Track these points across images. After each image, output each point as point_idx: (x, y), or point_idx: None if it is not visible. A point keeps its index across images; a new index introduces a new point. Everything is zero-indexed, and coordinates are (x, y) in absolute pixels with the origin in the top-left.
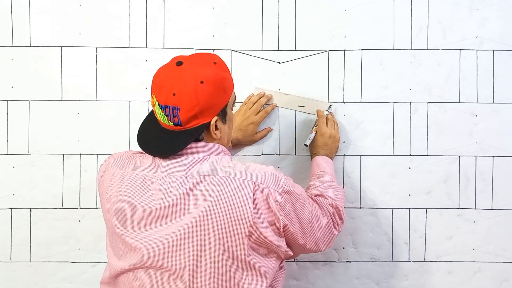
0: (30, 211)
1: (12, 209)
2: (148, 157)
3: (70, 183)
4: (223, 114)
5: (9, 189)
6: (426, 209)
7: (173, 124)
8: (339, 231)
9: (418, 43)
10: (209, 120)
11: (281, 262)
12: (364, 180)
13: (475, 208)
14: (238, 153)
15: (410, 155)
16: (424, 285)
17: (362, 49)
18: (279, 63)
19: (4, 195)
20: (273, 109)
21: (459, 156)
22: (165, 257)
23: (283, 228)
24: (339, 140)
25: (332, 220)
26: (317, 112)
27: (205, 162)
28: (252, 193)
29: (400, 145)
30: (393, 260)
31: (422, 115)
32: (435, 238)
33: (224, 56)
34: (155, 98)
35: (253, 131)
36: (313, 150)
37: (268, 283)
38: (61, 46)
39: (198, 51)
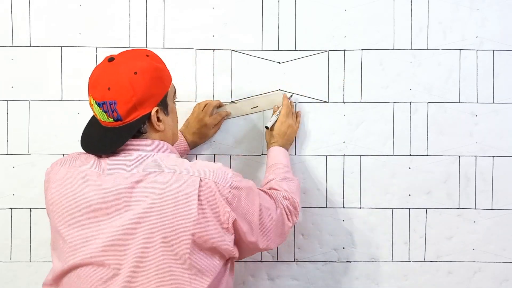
0: (30, 211)
1: (12, 209)
2: (93, 156)
3: None
4: (164, 105)
5: (9, 189)
6: (426, 209)
7: (114, 120)
8: (293, 223)
9: (418, 43)
10: (149, 111)
11: (226, 262)
12: (364, 180)
13: (475, 208)
14: (238, 154)
15: (410, 155)
16: (424, 285)
17: (362, 49)
18: (279, 63)
19: (4, 195)
20: (227, 114)
21: (459, 156)
22: (107, 254)
23: (232, 224)
24: (296, 132)
25: (286, 212)
26: (282, 99)
27: (151, 158)
28: (197, 189)
29: (400, 145)
30: (393, 260)
31: (422, 115)
32: (435, 238)
33: (224, 56)
34: (92, 97)
35: (207, 133)
36: (270, 139)
37: (210, 282)
38: (61, 46)
39: (198, 51)
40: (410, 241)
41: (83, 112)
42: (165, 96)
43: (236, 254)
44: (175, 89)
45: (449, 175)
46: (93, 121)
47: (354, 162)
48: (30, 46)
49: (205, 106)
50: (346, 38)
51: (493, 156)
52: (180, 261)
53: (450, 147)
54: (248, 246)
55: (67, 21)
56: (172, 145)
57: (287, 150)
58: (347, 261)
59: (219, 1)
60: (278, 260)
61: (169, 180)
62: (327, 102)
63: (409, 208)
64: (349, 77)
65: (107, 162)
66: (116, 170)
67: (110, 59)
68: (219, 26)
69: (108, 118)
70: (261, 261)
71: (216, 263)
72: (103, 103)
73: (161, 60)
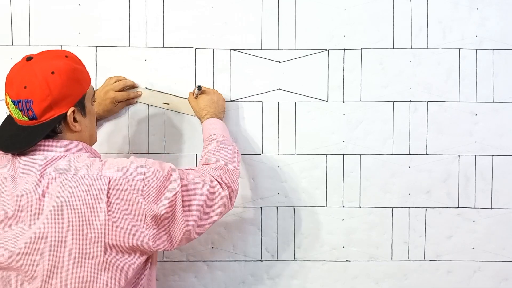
0: None
1: None
2: (8, 157)
3: None
4: (81, 106)
5: None
6: (426, 208)
7: (28, 118)
8: (232, 189)
9: (418, 42)
10: (65, 111)
11: (148, 258)
12: (364, 179)
13: (474, 207)
14: None
15: (410, 154)
16: (424, 284)
17: (361, 49)
18: (279, 62)
19: None
20: (136, 96)
21: (459, 155)
22: (21, 258)
23: (152, 218)
24: (224, 99)
25: (218, 182)
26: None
27: (61, 160)
28: (106, 189)
29: (400, 144)
30: (393, 260)
31: (422, 114)
32: (435, 237)
33: (224, 56)
34: (7, 95)
35: (112, 108)
36: (200, 113)
37: (128, 279)
38: (61, 46)
39: (197, 51)
40: (410, 240)
41: None
42: (83, 97)
43: (158, 249)
44: (94, 91)
45: (448, 174)
46: (9, 119)
47: (354, 161)
48: (30, 45)
49: (116, 81)
50: (345, 38)
51: (492, 155)
52: (94, 262)
53: (450, 146)
54: (180, 232)
55: (67, 20)
56: (91, 146)
57: (222, 120)
58: (346, 260)
59: (219, 0)
60: (278, 259)
61: (77, 183)
62: (326, 101)
63: (409, 207)
64: (349, 77)
65: (20, 162)
66: (27, 172)
67: (28, 58)
68: (219, 26)
69: (23, 117)
70: (261, 261)
71: (135, 261)
72: (19, 101)
73: (81, 61)
